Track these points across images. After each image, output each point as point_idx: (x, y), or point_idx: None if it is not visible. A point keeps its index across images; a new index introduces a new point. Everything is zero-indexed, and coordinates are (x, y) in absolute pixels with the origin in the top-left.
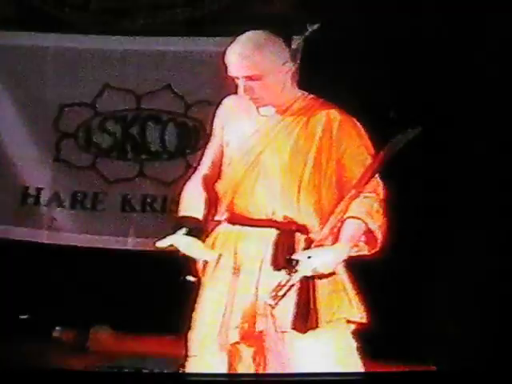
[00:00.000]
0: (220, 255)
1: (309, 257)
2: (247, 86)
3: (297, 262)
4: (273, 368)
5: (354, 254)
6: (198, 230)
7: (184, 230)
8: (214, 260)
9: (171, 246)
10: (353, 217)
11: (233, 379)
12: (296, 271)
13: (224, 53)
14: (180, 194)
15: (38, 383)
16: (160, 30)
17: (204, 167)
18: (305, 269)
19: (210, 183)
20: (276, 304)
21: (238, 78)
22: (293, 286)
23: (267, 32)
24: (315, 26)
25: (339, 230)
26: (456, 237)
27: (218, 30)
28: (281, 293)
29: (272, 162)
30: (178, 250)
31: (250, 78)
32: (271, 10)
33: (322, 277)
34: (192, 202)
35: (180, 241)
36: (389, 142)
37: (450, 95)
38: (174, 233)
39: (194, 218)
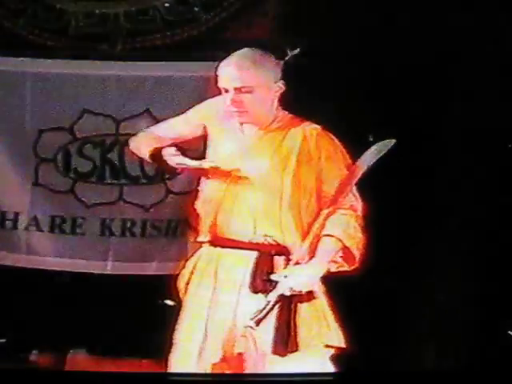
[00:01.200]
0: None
1: (285, 276)
2: (236, 99)
3: (275, 282)
4: None
5: (334, 269)
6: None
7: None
8: (195, 282)
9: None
10: (328, 235)
11: (226, 379)
12: (273, 291)
13: (216, 68)
14: (158, 218)
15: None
16: (139, 55)
17: (162, 127)
18: (282, 288)
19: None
20: (257, 326)
21: (227, 91)
22: (273, 307)
23: (262, 50)
24: (295, 51)
25: (315, 248)
26: (435, 252)
27: (197, 55)
28: (261, 315)
29: (251, 180)
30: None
31: (240, 90)
32: (251, 35)
33: (301, 301)
34: (156, 144)
35: (172, 152)
36: (363, 155)
37: (425, 109)
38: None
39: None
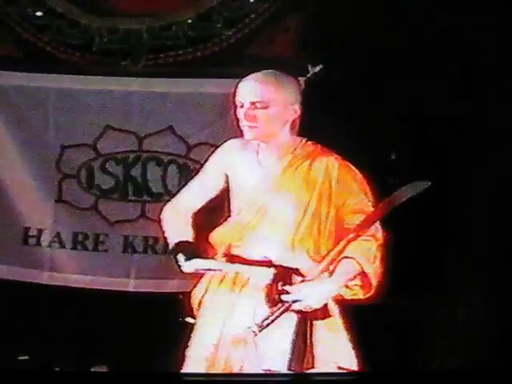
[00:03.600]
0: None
1: (299, 290)
2: (249, 113)
3: (287, 292)
4: None
5: (348, 297)
6: (195, 251)
7: (182, 256)
8: (209, 300)
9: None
10: (348, 257)
11: (231, 379)
12: (284, 303)
13: (235, 89)
14: None
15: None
16: (162, 71)
17: (187, 198)
18: (291, 299)
19: (190, 214)
20: (259, 331)
21: (242, 106)
22: (279, 316)
23: (286, 72)
24: (317, 68)
25: (333, 271)
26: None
27: (220, 72)
28: (266, 322)
29: (272, 213)
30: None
31: (255, 104)
32: (273, 52)
33: (317, 318)
34: (182, 228)
35: (196, 263)
36: (396, 192)
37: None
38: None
39: (187, 242)
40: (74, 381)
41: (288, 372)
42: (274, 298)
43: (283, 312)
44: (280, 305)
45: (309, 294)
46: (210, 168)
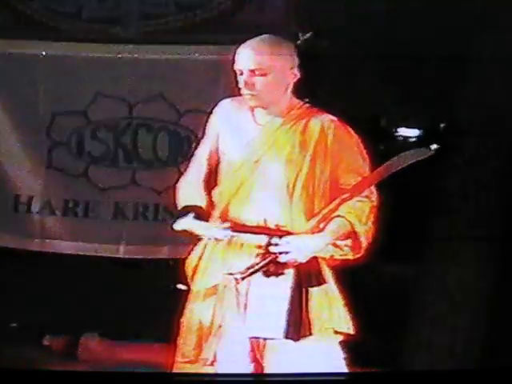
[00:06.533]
0: (232, 236)
1: (287, 242)
2: (249, 81)
3: (276, 244)
4: None
5: (338, 256)
6: (204, 215)
7: (192, 215)
8: (202, 267)
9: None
10: (339, 216)
11: (229, 379)
12: (271, 254)
13: (233, 56)
14: (172, 202)
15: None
16: (152, 38)
17: (196, 169)
18: (278, 250)
19: (203, 185)
20: (242, 280)
21: (241, 73)
22: (263, 266)
23: (282, 37)
24: (308, 35)
25: (324, 228)
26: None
27: (210, 39)
28: (249, 271)
29: (268, 170)
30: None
31: (254, 72)
32: (264, 18)
33: (312, 285)
34: (192, 195)
35: (193, 223)
36: (396, 157)
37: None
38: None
39: (198, 207)
40: (74, 381)
41: (287, 372)
42: (272, 271)
43: (268, 263)
44: (267, 255)
45: (296, 247)
46: (208, 137)
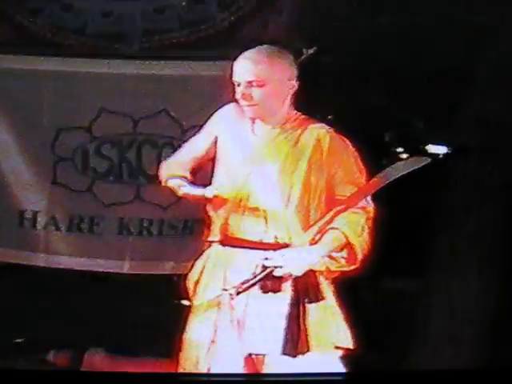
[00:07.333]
0: (217, 188)
1: (282, 255)
2: (247, 93)
3: (270, 258)
4: None
5: (334, 268)
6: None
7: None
8: (203, 283)
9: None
10: (334, 228)
11: (229, 379)
12: (266, 268)
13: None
14: (175, 218)
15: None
16: (156, 54)
17: (186, 153)
18: (273, 264)
19: (190, 165)
20: (237, 295)
21: (239, 85)
22: (258, 281)
23: (280, 48)
24: (311, 51)
25: (319, 240)
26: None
27: (213, 55)
28: (245, 286)
29: (263, 182)
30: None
31: (251, 83)
32: (268, 34)
33: (310, 301)
34: (177, 170)
35: (180, 182)
36: (390, 167)
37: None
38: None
39: (184, 176)
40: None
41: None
42: (270, 287)
43: (263, 277)
44: (262, 269)
45: (291, 261)
46: (205, 129)
